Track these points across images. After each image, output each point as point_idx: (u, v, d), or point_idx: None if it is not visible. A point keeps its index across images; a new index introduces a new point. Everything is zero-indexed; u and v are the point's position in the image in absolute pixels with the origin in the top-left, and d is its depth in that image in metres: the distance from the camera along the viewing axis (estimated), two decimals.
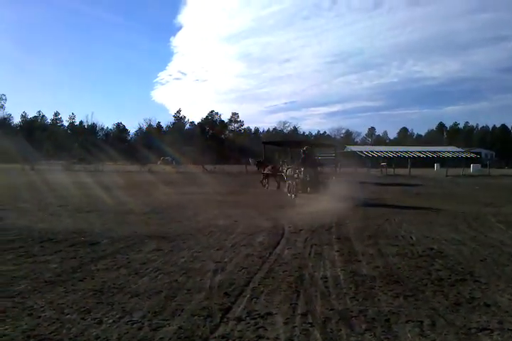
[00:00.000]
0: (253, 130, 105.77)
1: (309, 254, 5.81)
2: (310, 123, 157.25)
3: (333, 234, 7.37)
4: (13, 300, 3.76)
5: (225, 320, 3.38)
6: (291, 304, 3.77)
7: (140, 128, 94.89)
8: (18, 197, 13.48)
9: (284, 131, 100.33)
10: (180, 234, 7.28)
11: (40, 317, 3.37)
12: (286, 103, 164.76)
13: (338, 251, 6.04)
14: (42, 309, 3.55)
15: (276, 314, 3.52)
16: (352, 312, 3.60)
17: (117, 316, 3.40)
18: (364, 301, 3.88)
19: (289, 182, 15.59)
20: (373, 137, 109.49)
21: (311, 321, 3.37)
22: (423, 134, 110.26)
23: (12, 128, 79.09)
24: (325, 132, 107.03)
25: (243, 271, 4.87)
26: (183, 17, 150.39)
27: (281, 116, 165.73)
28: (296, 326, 3.27)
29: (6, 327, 3.16)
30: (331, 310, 3.64)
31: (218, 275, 4.72)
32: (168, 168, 54.22)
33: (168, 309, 3.59)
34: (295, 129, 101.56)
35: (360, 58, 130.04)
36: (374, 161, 43.36)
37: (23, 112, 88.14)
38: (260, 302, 3.82)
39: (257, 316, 3.46)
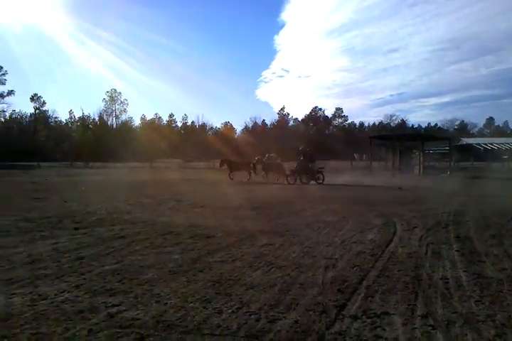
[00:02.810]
0: (357, 124, 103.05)
1: (426, 253, 5.52)
2: (419, 115, 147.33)
3: (451, 233, 6.92)
4: (143, 288, 4.11)
5: (341, 316, 3.34)
6: (409, 305, 3.61)
7: (246, 127, 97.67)
8: (141, 193, 14.72)
9: (391, 124, 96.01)
10: (290, 229, 7.37)
11: (166, 304, 3.65)
12: (392, 95, 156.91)
13: (457, 250, 5.65)
14: (168, 297, 3.84)
15: (393, 314, 3.40)
16: (478, 316, 3.34)
17: (236, 307, 3.55)
18: (491, 305, 3.58)
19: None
20: (492, 128, 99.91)
21: (432, 323, 3.20)
22: None
23: (133, 130, 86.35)
24: (436, 124, 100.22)
25: (355, 269, 4.79)
26: (286, 14, 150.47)
27: (388, 109, 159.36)
28: (416, 328, 3.13)
29: (138, 312, 3.47)
30: (454, 313, 3.42)
31: (330, 271, 4.69)
32: None
33: (283, 302, 3.66)
34: (403, 122, 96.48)
35: (475, 43, 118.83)
36: (494, 155, 39.39)
37: (143, 115, 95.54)
38: (375, 301, 3.72)
39: (373, 315, 3.37)
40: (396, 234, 6.91)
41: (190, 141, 68.47)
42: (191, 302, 3.66)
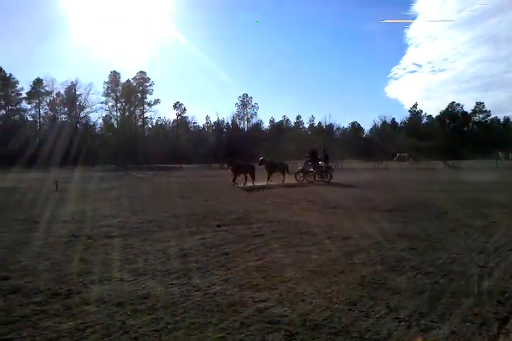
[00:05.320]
0: (502, 120, 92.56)
1: None
2: None
3: None
4: (286, 285, 4.21)
5: (504, 331, 3.03)
6: None
7: (374, 126, 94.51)
8: (273, 193, 15.16)
9: None
10: (431, 233, 6.91)
11: (311, 303, 3.68)
12: None
13: None
14: (312, 296, 3.87)
15: None
16: None
17: (383, 312, 3.43)
18: None
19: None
20: None
21: None
22: None
23: (263, 133, 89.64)
24: None
25: None
26: (419, 6, 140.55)
27: None
28: None
29: (285, 309, 3.55)
30: None
31: (485, 280, 4.28)
32: (406, 164, 52.64)
33: (435, 311, 3.43)
34: None
35: None
36: None
37: (271, 117, 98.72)
38: None
39: None
40: None
41: (317, 142, 68.60)
42: (336, 304, 3.65)
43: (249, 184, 19.52)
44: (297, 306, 3.61)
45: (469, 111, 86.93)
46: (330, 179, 21.76)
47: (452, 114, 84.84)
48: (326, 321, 3.26)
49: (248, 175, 20.02)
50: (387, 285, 4.18)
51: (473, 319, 3.25)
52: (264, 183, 19.90)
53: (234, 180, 19.34)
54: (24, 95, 77.25)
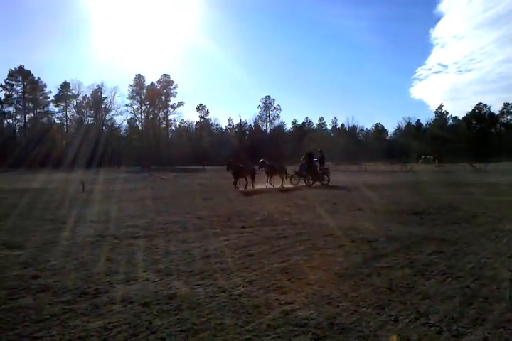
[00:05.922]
0: None
1: None
2: None
3: None
4: (312, 288, 4.17)
5: None
6: None
7: (399, 127, 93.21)
8: (296, 195, 15.09)
9: None
10: (461, 237, 6.75)
11: (338, 306, 3.63)
12: None
13: None
14: (338, 299, 3.82)
15: None
16: None
17: (412, 316, 3.36)
18: None
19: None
20: None
21: None
22: None
23: (285, 135, 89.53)
24: None
25: None
26: (444, 5, 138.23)
27: None
28: None
29: (311, 312, 3.51)
30: None
31: None
32: (431, 166, 51.74)
33: (467, 316, 3.34)
34: None
35: None
36: None
37: (294, 119, 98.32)
38: None
39: None
40: None
41: (340, 143, 68.16)
42: (364, 307, 3.59)
43: (249, 187, 18.79)
44: (324, 309, 3.56)
45: (497, 112, 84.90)
46: (328, 182, 20.91)
47: (479, 115, 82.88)
48: (354, 325, 3.21)
49: (248, 177, 18.89)
50: (416, 289, 4.10)
51: (506, 325, 3.16)
52: (259, 187, 19.26)
53: (235, 183, 18.45)
54: (52, 98, 79.05)
